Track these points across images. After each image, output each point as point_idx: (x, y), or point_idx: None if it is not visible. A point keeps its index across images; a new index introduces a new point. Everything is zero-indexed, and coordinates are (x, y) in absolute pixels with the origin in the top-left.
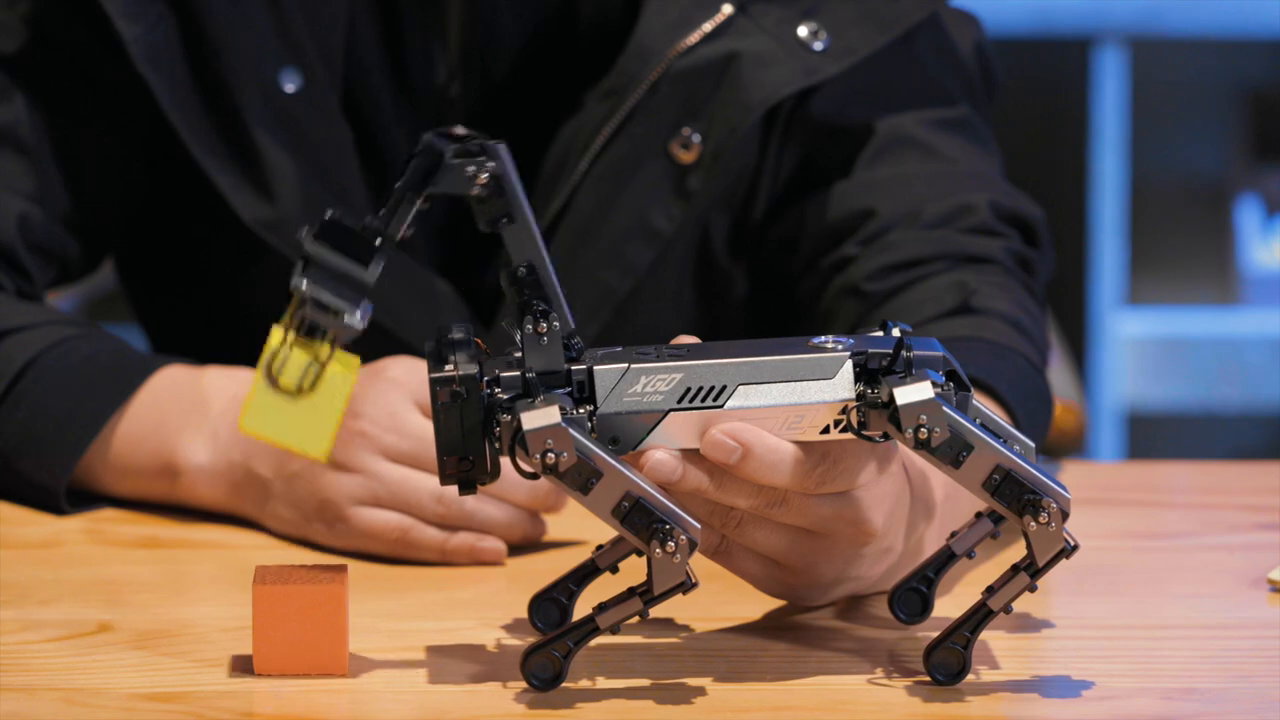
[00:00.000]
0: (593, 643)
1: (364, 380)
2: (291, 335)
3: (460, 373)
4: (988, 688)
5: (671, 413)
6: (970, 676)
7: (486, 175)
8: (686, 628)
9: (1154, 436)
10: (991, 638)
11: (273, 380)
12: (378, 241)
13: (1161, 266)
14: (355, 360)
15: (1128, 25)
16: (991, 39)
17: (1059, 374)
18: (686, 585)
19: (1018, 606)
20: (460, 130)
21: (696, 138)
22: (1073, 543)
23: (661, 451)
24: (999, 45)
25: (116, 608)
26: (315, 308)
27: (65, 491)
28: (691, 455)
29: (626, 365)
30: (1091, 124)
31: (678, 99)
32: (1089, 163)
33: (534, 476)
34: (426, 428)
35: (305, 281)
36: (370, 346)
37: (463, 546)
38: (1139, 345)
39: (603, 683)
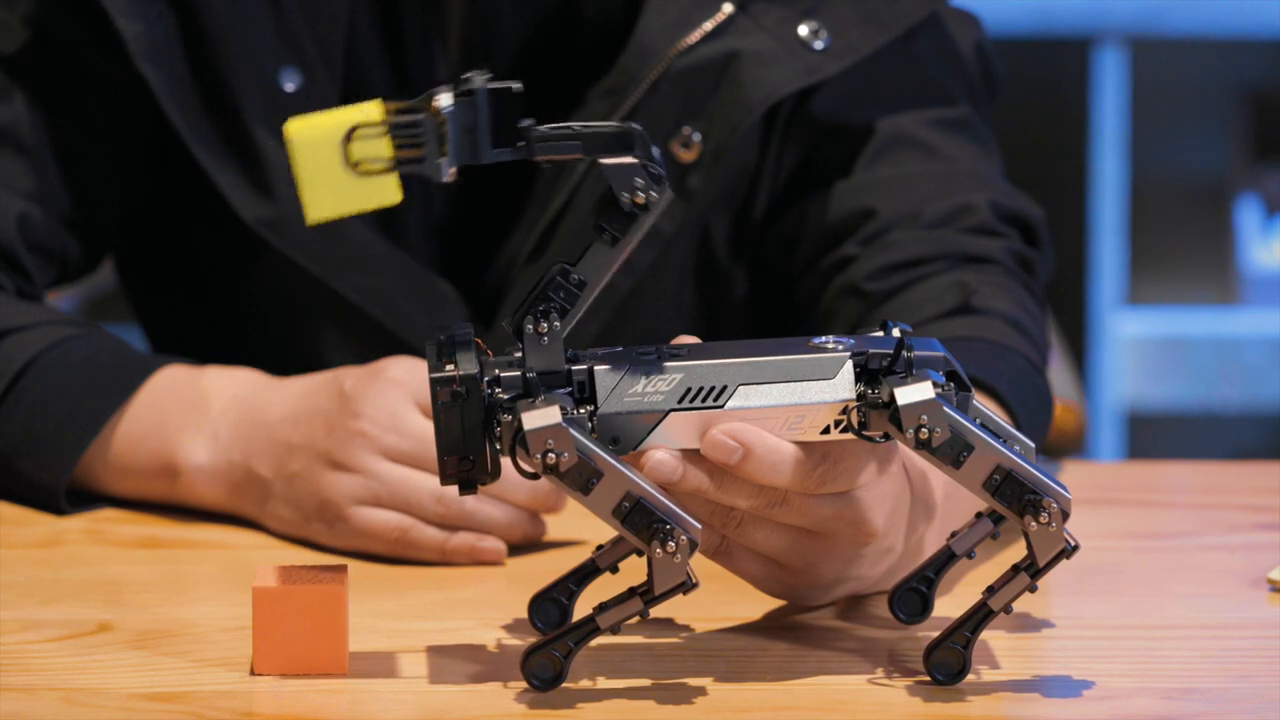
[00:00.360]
0: (593, 643)
1: (364, 380)
2: (390, 128)
3: (461, 372)
4: (988, 688)
5: (672, 413)
6: (970, 676)
7: (642, 199)
8: (687, 628)
9: (1154, 436)
10: (991, 638)
11: (348, 138)
12: (520, 143)
13: (1161, 266)
14: (400, 192)
15: (1128, 25)
16: (991, 39)
17: (1059, 374)
18: (687, 585)
19: (1018, 606)
20: (654, 148)
21: (697, 137)
22: (1073, 543)
23: (662, 452)
24: (999, 45)
25: (116, 608)
26: (433, 129)
27: (65, 491)
28: (692, 455)
29: (627, 365)
30: (1091, 124)
31: (678, 98)
32: (1089, 163)
33: (535, 476)
34: (427, 428)
35: (451, 103)
36: (371, 346)
37: (463, 546)
38: (1139, 345)
39: (603, 683)
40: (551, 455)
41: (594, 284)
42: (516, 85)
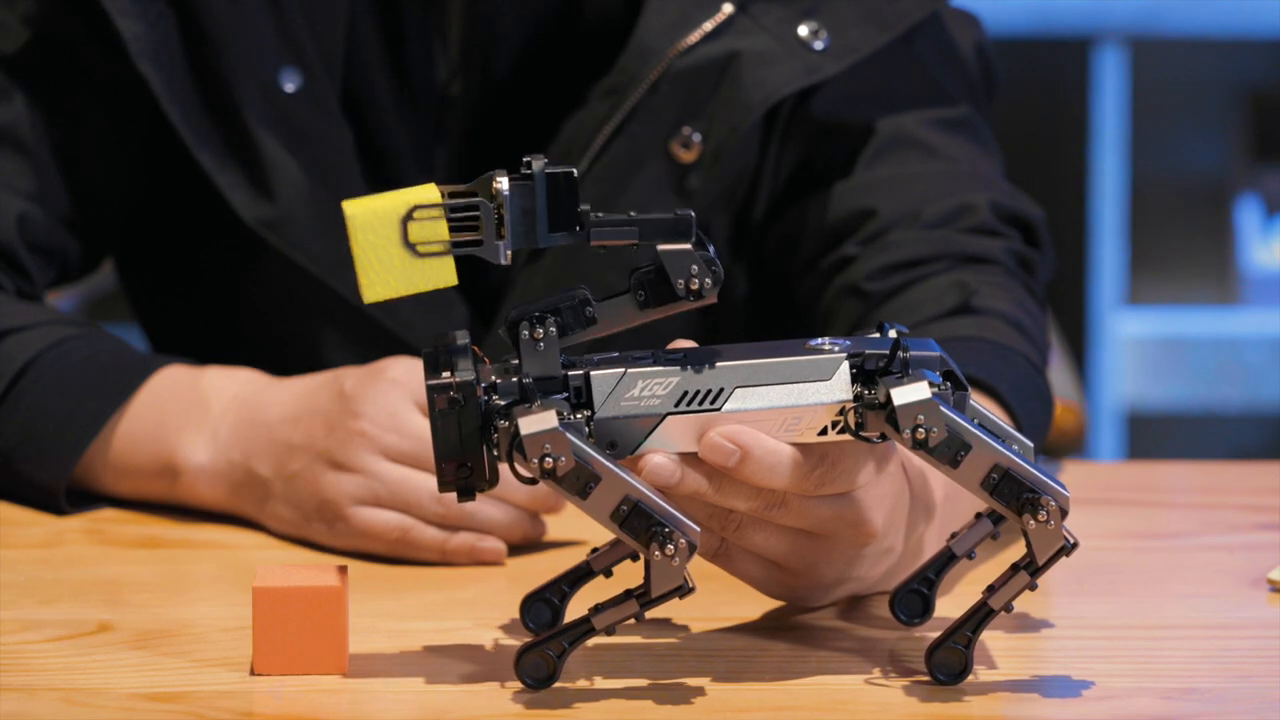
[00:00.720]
0: (591, 643)
1: (364, 380)
2: (447, 210)
3: (457, 379)
4: (988, 687)
5: (669, 416)
6: (969, 676)
7: (697, 285)
8: (685, 628)
9: (1154, 436)
10: (991, 638)
11: (409, 218)
12: (577, 228)
13: (1161, 266)
14: (454, 277)
15: (1128, 25)
16: (991, 39)
17: (1059, 374)
18: (684, 589)
19: (1018, 606)
20: (711, 246)
21: (697, 137)
22: (1072, 540)
23: (660, 455)
24: (999, 45)
25: (116, 608)
26: (490, 211)
27: (65, 491)
28: (690, 459)
29: (623, 370)
30: (1091, 124)
31: (678, 98)
32: (1089, 163)
33: (533, 482)
34: (427, 427)
35: (507, 186)
36: (371, 347)
37: (463, 546)
38: (1139, 345)
39: (601, 683)
40: (549, 460)
41: (603, 328)
42: (577, 171)
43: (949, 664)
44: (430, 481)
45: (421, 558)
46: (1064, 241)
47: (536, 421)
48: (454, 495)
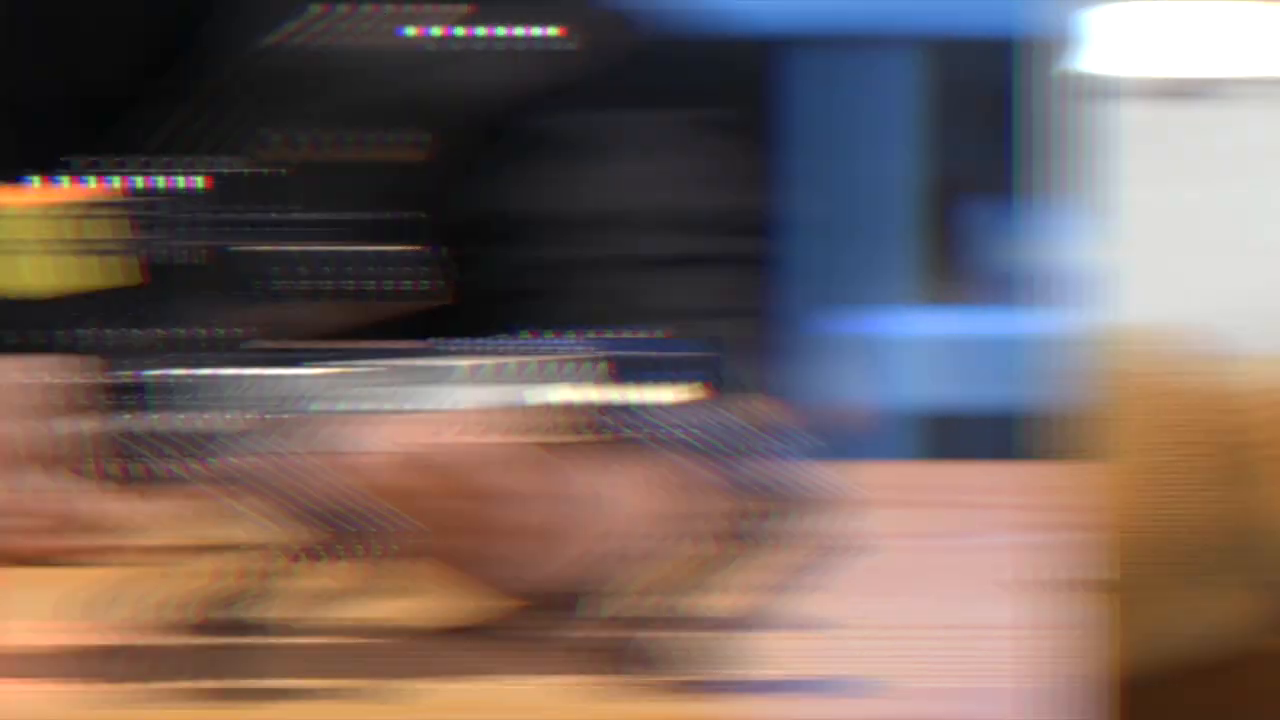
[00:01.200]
0: (259, 642)
1: None
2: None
3: (74, 377)
4: (732, 687)
5: (349, 415)
6: (714, 674)
7: (374, 285)
8: (362, 629)
9: (937, 436)
10: (744, 637)
11: (48, 215)
12: (225, 230)
13: (939, 266)
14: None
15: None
16: (733, 40)
17: (839, 373)
18: (373, 593)
19: (766, 606)
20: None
21: (351, 138)
22: (839, 542)
23: (339, 456)
24: (742, 46)
25: None
26: (138, 210)
27: None
28: (374, 459)
29: (300, 370)
30: (874, 123)
31: (309, 97)
32: (869, 163)
33: (176, 483)
34: (14, 428)
35: (162, 188)
36: None
37: (72, 546)
38: (924, 345)
39: (270, 683)
40: (194, 463)
41: (263, 331)
42: (234, 169)
43: (653, 658)
44: (28, 481)
45: (22, 560)
46: (848, 241)
47: (179, 421)
48: (54, 496)
